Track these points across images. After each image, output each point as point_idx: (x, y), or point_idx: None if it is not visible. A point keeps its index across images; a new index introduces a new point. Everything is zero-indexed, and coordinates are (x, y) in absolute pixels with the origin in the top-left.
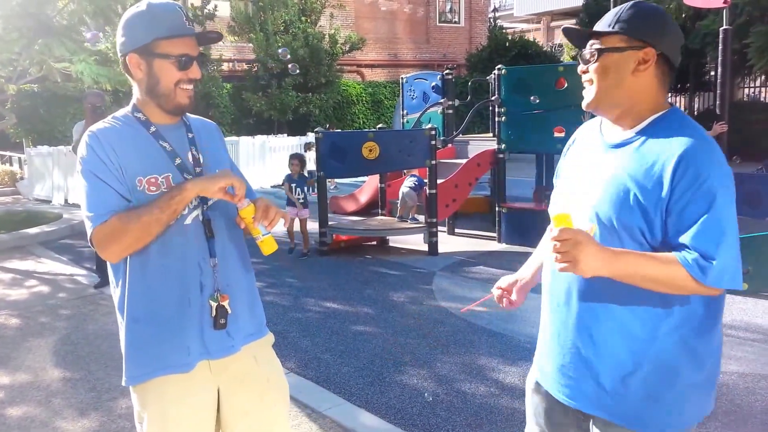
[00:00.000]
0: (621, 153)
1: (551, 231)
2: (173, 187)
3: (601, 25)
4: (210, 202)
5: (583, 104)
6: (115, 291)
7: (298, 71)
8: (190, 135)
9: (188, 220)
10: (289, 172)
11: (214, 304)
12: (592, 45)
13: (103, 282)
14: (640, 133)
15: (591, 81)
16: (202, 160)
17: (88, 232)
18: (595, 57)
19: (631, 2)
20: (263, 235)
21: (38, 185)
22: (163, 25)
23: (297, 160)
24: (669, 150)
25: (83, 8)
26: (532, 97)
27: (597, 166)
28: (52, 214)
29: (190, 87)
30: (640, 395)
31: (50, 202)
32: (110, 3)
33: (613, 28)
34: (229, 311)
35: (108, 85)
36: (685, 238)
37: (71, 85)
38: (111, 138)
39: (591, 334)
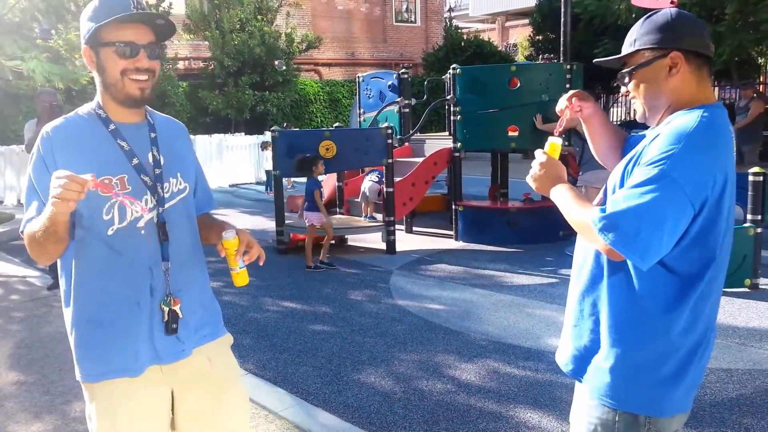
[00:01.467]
0: (639, 143)
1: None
2: (44, 212)
3: (624, 48)
4: (167, 205)
5: (639, 119)
6: (62, 287)
7: (284, 67)
8: (153, 135)
9: (141, 223)
10: (313, 176)
11: (166, 309)
12: (624, 67)
13: (57, 284)
14: (659, 127)
15: (635, 98)
16: (162, 161)
17: None
18: (629, 77)
19: (642, 18)
20: (240, 268)
21: None
22: (105, 11)
23: (322, 161)
24: (658, 133)
25: (35, 5)
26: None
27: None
28: (3, 215)
29: (141, 78)
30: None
31: (2, 202)
32: (62, 0)
33: (634, 47)
34: (181, 316)
35: (60, 84)
36: (609, 198)
37: (23, 84)
38: (62, 138)
39: (581, 308)
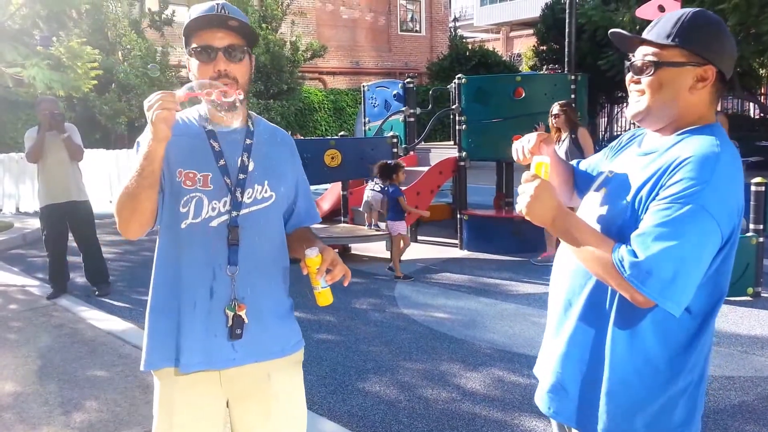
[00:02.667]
0: (645, 159)
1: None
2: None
3: (657, 35)
4: (244, 210)
5: (630, 113)
6: None
7: (158, 73)
8: (248, 141)
9: (214, 223)
10: (396, 183)
11: (230, 314)
12: (646, 56)
13: (57, 293)
14: (670, 141)
15: (642, 92)
16: (251, 168)
17: None
18: (652, 70)
19: (692, 11)
20: (322, 288)
21: None
22: (191, 19)
23: (403, 168)
24: (676, 158)
25: (36, 12)
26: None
27: (619, 171)
28: (2, 223)
29: (223, 83)
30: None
31: (1, 210)
32: (63, 7)
33: (672, 40)
34: (246, 321)
35: (61, 91)
36: (634, 234)
37: (23, 91)
38: (175, 126)
39: (589, 347)
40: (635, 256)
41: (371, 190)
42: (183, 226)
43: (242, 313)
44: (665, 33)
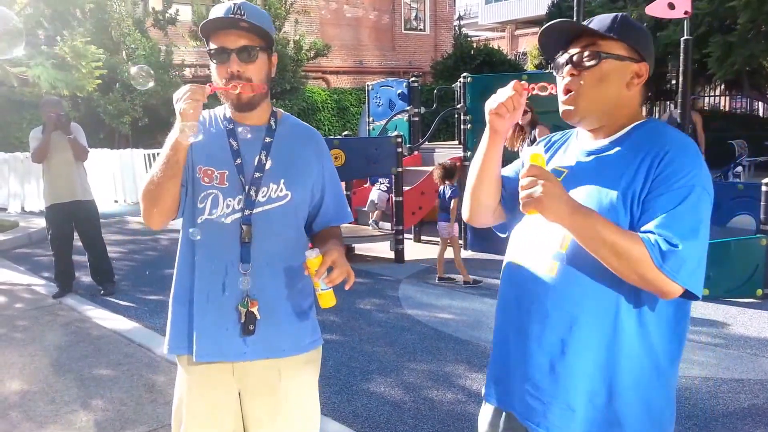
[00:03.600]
0: (602, 158)
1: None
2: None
3: (598, 29)
4: (258, 209)
5: (564, 111)
6: None
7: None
8: (268, 140)
9: (227, 220)
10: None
11: (243, 310)
12: (588, 47)
13: (62, 292)
14: (622, 138)
15: (576, 88)
16: (268, 166)
17: None
18: (596, 61)
19: (621, 14)
20: (322, 290)
21: None
22: (206, 20)
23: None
24: (653, 148)
25: (40, 11)
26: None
27: (575, 172)
28: (7, 223)
29: (241, 83)
30: (609, 419)
31: (6, 209)
32: (68, 6)
33: (614, 34)
34: (258, 317)
35: (66, 91)
36: (651, 225)
37: (27, 90)
38: (200, 124)
39: (562, 345)
40: (672, 245)
41: (377, 189)
42: (199, 221)
43: (254, 309)
44: (606, 28)
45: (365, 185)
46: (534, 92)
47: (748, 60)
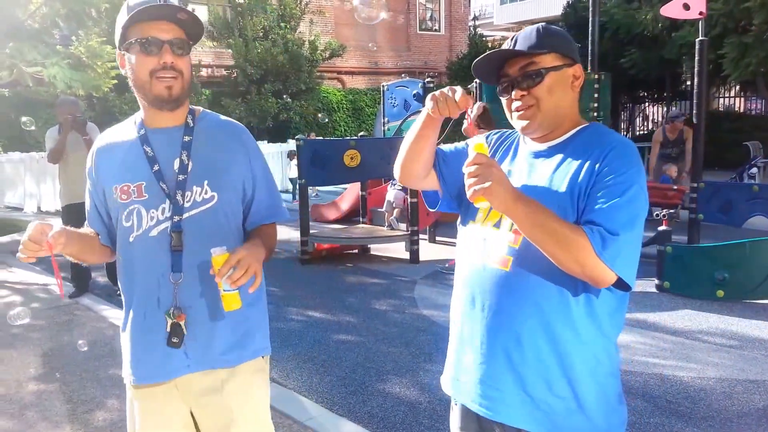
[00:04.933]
0: (551, 159)
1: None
2: None
3: (526, 47)
4: (186, 214)
5: (519, 128)
6: None
7: (326, 119)
8: (186, 138)
9: (154, 232)
10: None
11: (168, 321)
12: (528, 66)
13: (78, 292)
14: (568, 140)
15: (529, 105)
16: (190, 167)
17: None
18: (541, 77)
19: (540, 25)
20: (224, 290)
21: (9, 192)
22: (131, 10)
23: None
24: (596, 149)
25: (56, 11)
26: None
27: (525, 174)
28: (24, 222)
29: (168, 76)
30: (569, 406)
31: (22, 209)
32: (83, 6)
33: (544, 48)
34: (185, 332)
35: (81, 90)
36: (592, 215)
37: (43, 90)
38: (101, 147)
39: (517, 337)
40: (612, 233)
41: (393, 189)
42: (131, 239)
43: (181, 323)
44: (533, 44)
45: (382, 185)
46: (469, 110)
47: (764, 61)
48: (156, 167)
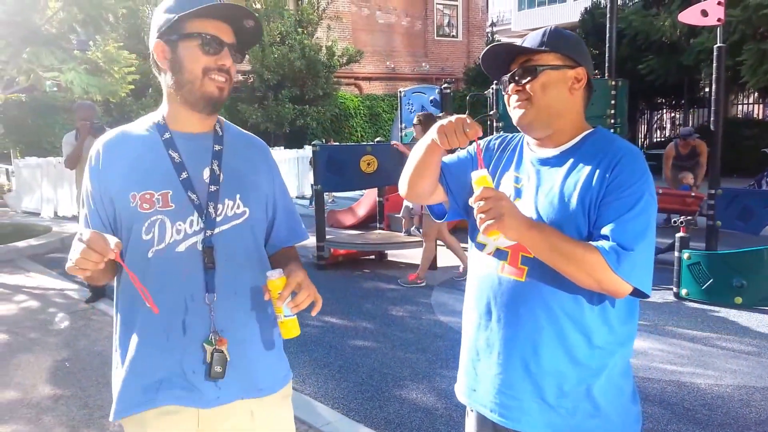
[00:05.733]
0: (558, 167)
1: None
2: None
3: (530, 45)
4: (217, 229)
5: (516, 119)
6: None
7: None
8: (217, 147)
9: (181, 248)
10: None
11: (209, 349)
12: (527, 62)
13: (95, 297)
14: (575, 147)
15: (527, 99)
16: (222, 178)
17: None
18: (534, 74)
19: (550, 27)
20: (285, 317)
21: (27, 197)
22: (190, 3)
23: None
24: (605, 158)
25: (73, 16)
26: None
27: (533, 180)
28: (41, 227)
29: (221, 78)
30: (586, 411)
31: (39, 214)
32: (100, 11)
33: (545, 47)
34: (228, 358)
35: (98, 96)
36: (605, 230)
37: (60, 95)
38: (110, 147)
39: (534, 346)
40: (625, 248)
41: None
42: (150, 255)
43: (224, 348)
44: (537, 43)
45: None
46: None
47: None
48: (185, 174)
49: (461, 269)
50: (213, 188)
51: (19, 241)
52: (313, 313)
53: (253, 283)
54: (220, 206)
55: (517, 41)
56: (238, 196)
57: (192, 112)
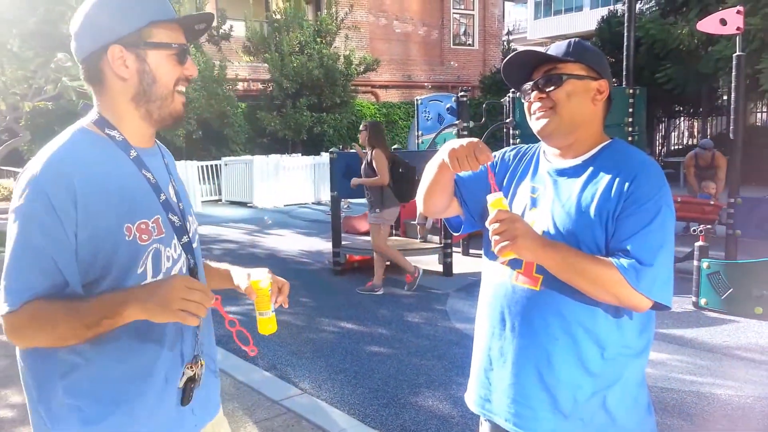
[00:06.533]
0: (575, 177)
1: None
2: (107, 303)
3: (555, 54)
4: (194, 245)
5: (538, 128)
6: (45, 356)
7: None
8: (166, 161)
9: (174, 273)
10: None
11: (185, 375)
12: (551, 70)
13: None
14: (592, 158)
15: (550, 107)
16: (180, 195)
17: None
18: (560, 83)
19: (574, 39)
20: (272, 313)
21: None
22: (153, 6)
23: None
24: (623, 170)
25: None
26: None
27: (550, 190)
28: None
29: (184, 90)
30: (602, 421)
31: None
32: None
33: (571, 57)
34: (199, 383)
35: None
36: (623, 245)
37: (85, 103)
38: (82, 175)
39: (548, 355)
40: (644, 264)
41: None
42: None
43: (197, 372)
44: (562, 53)
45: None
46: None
47: None
48: (163, 196)
49: (410, 278)
50: (181, 205)
51: None
52: (286, 305)
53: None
54: (187, 224)
55: (537, 50)
56: (191, 209)
57: (149, 126)
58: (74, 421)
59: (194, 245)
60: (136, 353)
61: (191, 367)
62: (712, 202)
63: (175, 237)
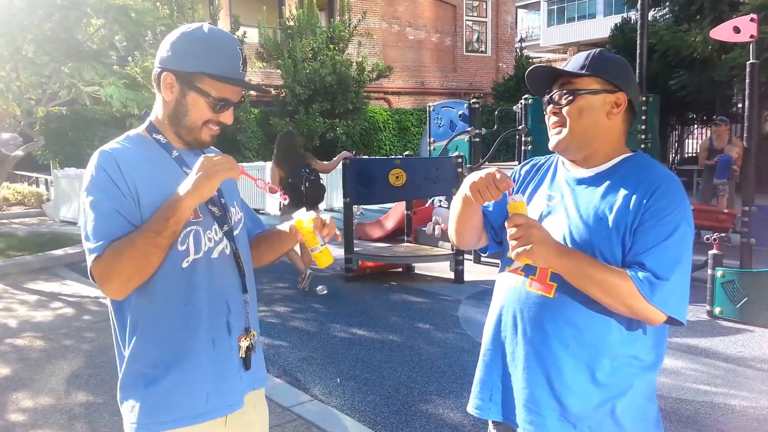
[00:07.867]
0: (594, 188)
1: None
2: (165, 206)
3: (572, 68)
4: (236, 232)
5: (552, 144)
6: (118, 328)
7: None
8: None
9: (215, 254)
10: None
11: (244, 345)
12: (564, 85)
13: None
14: (612, 170)
15: (562, 123)
16: (223, 189)
17: (89, 264)
18: (571, 98)
19: (595, 50)
20: (323, 246)
21: (64, 207)
22: (215, 62)
23: None
24: (643, 183)
25: (113, 33)
26: None
27: (567, 199)
28: (77, 236)
29: (217, 129)
30: (609, 429)
31: (76, 224)
32: (140, 29)
33: (586, 71)
34: (255, 351)
35: (136, 109)
36: (640, 258)
37: (99, 109)
38: (128, 159)
39: (559, 363)
40: (660, 278)
41: (440, 206)
42: (185, 265)
43: (252, 341)
44: (579, 66)
45: (426, 205)
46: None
47: None
48: None
49: (302, 276)
50: (223, 199)
51: (56, 249)
52: (339, 239)
53: (253, 280)
54: (229, 214)
55: (547, 56)
56: (235, 203)
57: (182, 142)
58: (140, 385)
59: (236, 232)
60: (178, 320)
61: (246, 338)
62: (725, 210)
63: (215, 224)
